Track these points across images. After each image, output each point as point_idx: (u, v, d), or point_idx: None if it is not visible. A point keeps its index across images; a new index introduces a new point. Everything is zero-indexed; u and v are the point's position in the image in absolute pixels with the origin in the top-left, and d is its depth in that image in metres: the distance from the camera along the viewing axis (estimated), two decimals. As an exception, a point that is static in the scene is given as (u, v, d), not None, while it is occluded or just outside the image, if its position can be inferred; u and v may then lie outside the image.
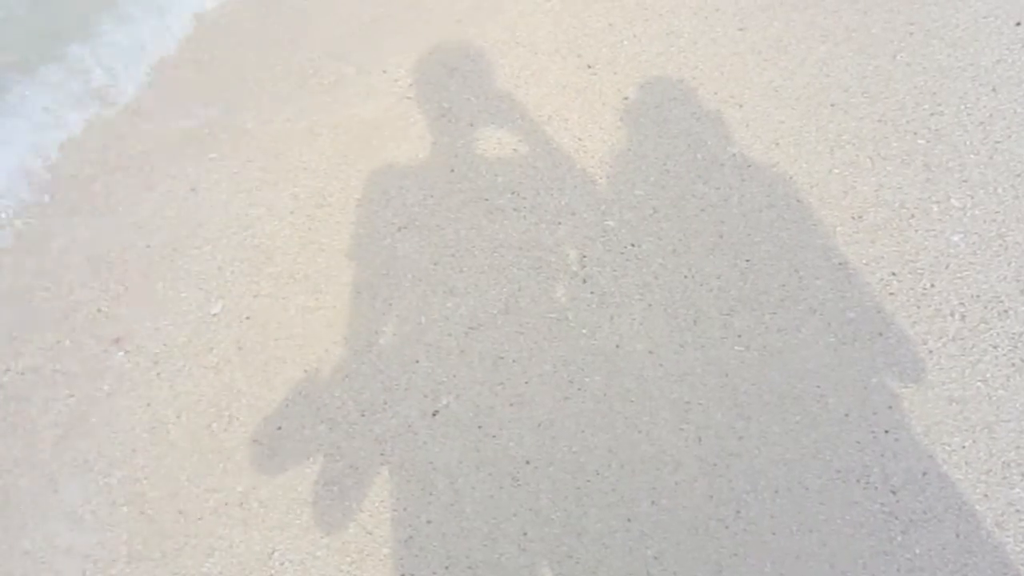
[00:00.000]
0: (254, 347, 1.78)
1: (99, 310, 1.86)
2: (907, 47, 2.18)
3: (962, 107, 2.04)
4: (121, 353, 1.78)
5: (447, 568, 1.48)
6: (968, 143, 1.97)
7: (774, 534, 1.48)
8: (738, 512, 1.51)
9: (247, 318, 1.83)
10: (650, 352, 1.71)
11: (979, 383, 1.62)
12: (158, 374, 1.76)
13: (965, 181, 1.91)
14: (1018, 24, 2.19)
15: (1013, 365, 1.64)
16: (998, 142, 1.96)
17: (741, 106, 2.10)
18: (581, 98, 2.16)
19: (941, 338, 1.68)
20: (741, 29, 2.28)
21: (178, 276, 1.91)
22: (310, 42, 2.45)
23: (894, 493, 1.52)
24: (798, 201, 1.91)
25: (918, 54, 2.16)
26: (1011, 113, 2.01)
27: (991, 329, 1.69)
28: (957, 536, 1.46)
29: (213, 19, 2.59)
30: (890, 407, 1.61)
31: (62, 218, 2.03)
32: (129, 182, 2.10)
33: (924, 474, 1.53)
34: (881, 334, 1.70)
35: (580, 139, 2.07)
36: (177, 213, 2.04)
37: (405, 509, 1.55)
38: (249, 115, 2.25)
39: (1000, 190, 1.88)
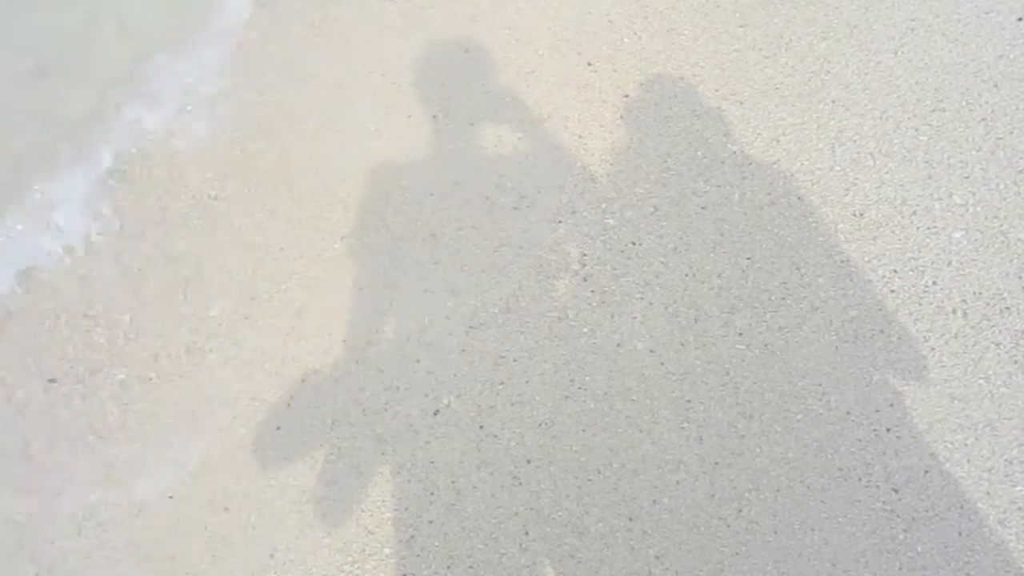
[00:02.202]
0: (253, 349, 1.78)
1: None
2: (908, 43, 2.17)
3: (964, 103, 2.03)
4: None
5: (448, 568, 1.48)
6: (970, 139, 1.96)
7: (776, 533, 1.48)
8: (740, 511, 1.51)
9: (245, 318, 1.82)
10: (651, 351, 1.70)
11: (981, 380, 1.62)
12: (157, 376, 1.76)
13: (967, 178, 1.90)
14: (1020, 20, 2.17)
15: (1015, 362, 1.63)
16: (1000, 138, 1.96)
17: (742, 103, 2.09)
18: (581, 96, 2.15)
19: (943, 335, 1.68)
20: (742, 26, 2.27)
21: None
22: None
23: (896, 491, 1.51)
24: (799, 198, 1.90)
25: (919, 50, 2.15)
26: (1013, 109, 2.00)
27: (993, 326, 1.68)
28: (959, 534, 1.46)
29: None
30: (892, 405, 1.61)
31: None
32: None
33: (926, 472, 1.53)
34: (883, 331, 1.69)
35: (580, 137, 2.06)
36: (177, 213, 2.03)
37: (406, 508, 1.55)
38: (248, 114, 2.24)
39: (1002, 186, 1.87)
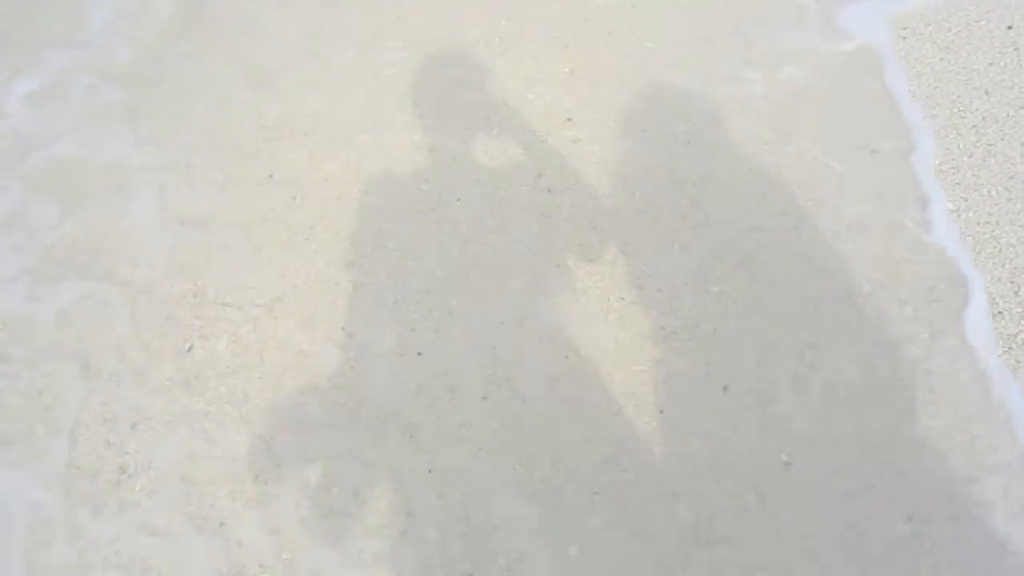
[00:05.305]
0: (254, 358, 1.78)
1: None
2: (900, 52, 2.21)
3: (955, 110, 2.06)
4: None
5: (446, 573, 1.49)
6: (962, 146, 1.99)
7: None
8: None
9: (247, 327, 1.82)
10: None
11: (978, 384, 1.64)
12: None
13: (959, 184, 1.93)
14: (1009, 28, 2.21)
15: (1008, 367, 1.66)
16: (991, 145, 1.99)
17: (741, 109, 2.12)
18: (584, 104, 2.17)
19: (942, 339, 1.70)
20: (734, 34, 2.30)
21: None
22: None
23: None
24: (794, 204, 1.92)
25: (912, 58, 2.19)
26: (1004, 116, 2.03)
27: (990, 331, 1.71)
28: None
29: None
30: (889, 410, 1.63)
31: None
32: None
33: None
34: (883, 336, 1.72)
35: (576, 142, 2.09)
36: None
37: (407, 514, 1.55)
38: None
39: (994, 192, 1.90)
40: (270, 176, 2.07)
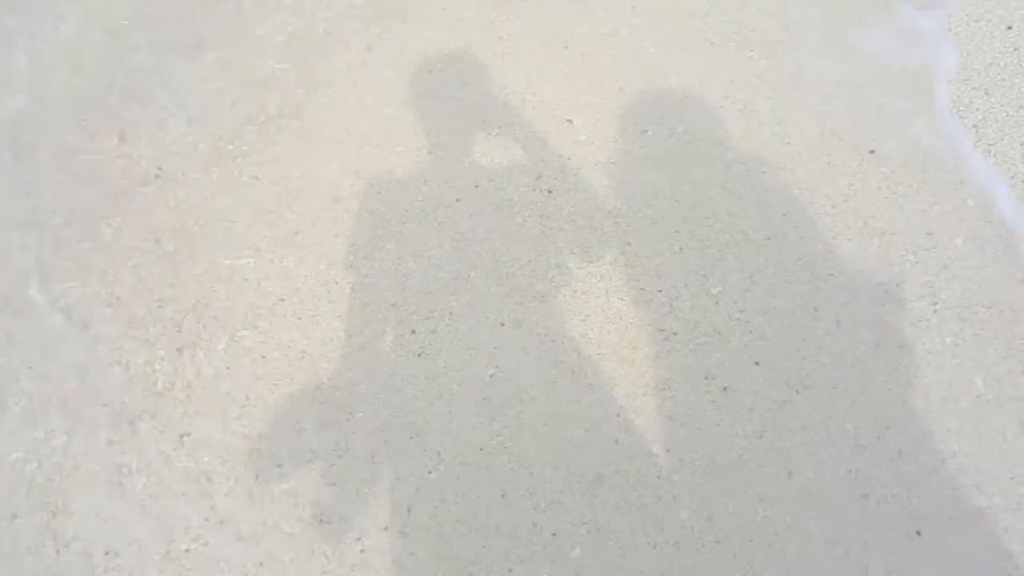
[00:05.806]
0: (254, 358, 1.78)
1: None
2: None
3: (956, 110, 2.06)
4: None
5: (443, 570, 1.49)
6: (963, 146, 1.99)
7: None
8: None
9: (246, 328, 1.82)
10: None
11: (979, 384, 1.64)
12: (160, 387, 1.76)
13: (962, 183, 1.93)
14: (1009, 28, 2.21)
15: (1010, 368, 1.66)
16: (991, 144, 1.99)
17: (742, 110, 2.11)
18: (584, 105, 2.17)
19: (942, 340, 1.70)
20: (735, 34, 2.30)
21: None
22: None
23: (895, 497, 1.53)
24: (795, 205, 1.92)
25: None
26: (1004, 116, 2.03)
27: (993, 329, 1.71)
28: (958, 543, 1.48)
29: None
30: (889, 412, 1.62)
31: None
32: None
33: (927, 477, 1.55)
34: (882, 338, 1.71)
35: (577, 144, 2.08)
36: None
37: (408, 515, 1.55)
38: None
39: (995, 192, 1.90)
40: (266, 176, 2.07)
